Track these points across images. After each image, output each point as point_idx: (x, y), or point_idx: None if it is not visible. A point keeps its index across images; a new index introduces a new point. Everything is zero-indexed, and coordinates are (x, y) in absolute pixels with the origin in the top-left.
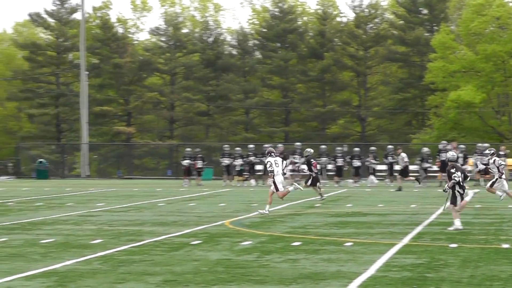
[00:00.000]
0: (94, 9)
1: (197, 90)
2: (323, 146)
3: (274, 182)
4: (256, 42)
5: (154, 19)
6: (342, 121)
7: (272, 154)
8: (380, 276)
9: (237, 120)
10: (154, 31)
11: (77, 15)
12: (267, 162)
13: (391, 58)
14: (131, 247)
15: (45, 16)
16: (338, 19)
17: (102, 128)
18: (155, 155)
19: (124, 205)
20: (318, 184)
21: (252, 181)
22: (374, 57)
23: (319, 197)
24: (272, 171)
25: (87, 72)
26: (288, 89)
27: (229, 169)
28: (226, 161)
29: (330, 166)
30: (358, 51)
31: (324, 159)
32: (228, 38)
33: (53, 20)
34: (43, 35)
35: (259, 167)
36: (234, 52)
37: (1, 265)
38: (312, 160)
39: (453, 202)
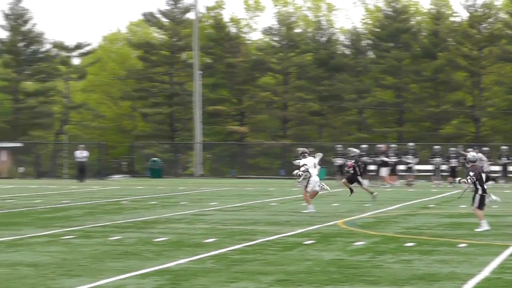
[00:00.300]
0: (208, 8)
1: (310, 89)
2: (436, 147)
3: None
4: (369, 41)
5: (267, 18)
6: (456, 121)
7: (305, 155)
8: (494, 278)
9: (350, 120)
10: (267, 31)
11: (191, 15)
12: (302, 164)
13: (506, 58)
14: (244, 246)
15: (159, 15)
16: (451, 18)
17: (215, 127)
18: (268, 155)
19: (237, 204)
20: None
21: (365, 181)
22: (488, 57)
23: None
24: (308, 171)
25: (200, 72)
26: (401, 89)
27: (342, 169)
28: (339, 161)
29: (444, 167)
30: (472, 51)
31: (437, 159)
32: (341, 37)
33: (167, 20)
34: (157, 35)
35: (372, 167)
36: (347, 51)
37: (116, 263)
38: (356, 161)
39: (480, 206)
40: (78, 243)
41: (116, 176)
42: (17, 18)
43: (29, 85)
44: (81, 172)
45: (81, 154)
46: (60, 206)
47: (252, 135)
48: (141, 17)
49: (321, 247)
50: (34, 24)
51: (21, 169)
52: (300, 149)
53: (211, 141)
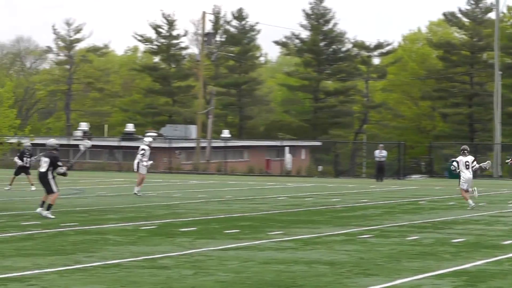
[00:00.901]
0: (509, 8)
1: None
2: None
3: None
4: None
5: None
6: None
7: (465, 152)
8: None
9: None
10: None
11: (492, 15)
12: (454, 161)
13: None
14: None
15: (460, 15)
16: None
17: None
18: None
19: None
20: None
21: None
22: None
23: None
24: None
25: (500, 72)
26: None
27: None
28: None
29: None
30: None
31: None
32: None
33: (468, 20)
34: (457, 35)
35: None
36: None
37: (412, 263)
38: None
39: None
40: (375, 242)
41: (414, 176)
42: (318, 18)
43: (329, 84)
44: (380, 171)
45: (380, 154)
46: (358, 205)
47: None
48: (442, 17)
49: None
50: (336, 24)
51: (320, 168)
52: (462, 146)
53: (510, 142)
